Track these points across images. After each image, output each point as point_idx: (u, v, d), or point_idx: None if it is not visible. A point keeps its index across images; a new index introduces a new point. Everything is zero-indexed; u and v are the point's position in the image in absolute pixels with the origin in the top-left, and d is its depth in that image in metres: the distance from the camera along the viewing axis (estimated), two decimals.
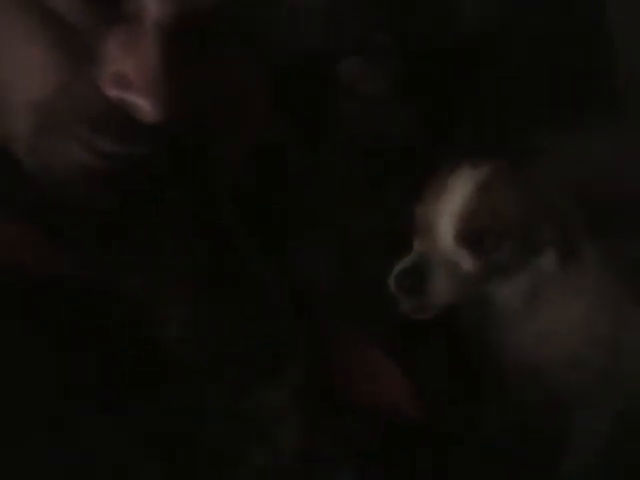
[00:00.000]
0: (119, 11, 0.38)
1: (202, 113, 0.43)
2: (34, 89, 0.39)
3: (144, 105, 0.37)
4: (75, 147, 0.40)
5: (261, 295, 0.59)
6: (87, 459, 0.42)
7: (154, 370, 0.47)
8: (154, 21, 0.38)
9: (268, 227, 0.66)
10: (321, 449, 0.57)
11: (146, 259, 0.50)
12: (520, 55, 1.00)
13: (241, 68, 0.46)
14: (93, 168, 0.41)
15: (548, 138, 0.87)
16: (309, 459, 0.55)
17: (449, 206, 0.68)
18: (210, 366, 0.51)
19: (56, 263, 0.45)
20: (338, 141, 0.96)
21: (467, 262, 0.68)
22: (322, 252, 0.75)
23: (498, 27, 1.00)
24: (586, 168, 0.81)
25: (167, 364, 0.48)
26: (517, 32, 1.00)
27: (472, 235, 0.67)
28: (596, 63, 1.05)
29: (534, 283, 0.73)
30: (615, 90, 1.06)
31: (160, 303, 0.49)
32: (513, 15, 1.01)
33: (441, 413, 0.70)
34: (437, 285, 0.67)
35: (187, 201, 0.54)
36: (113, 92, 0.38)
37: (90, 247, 0.46)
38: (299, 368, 0.58)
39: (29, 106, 0.39)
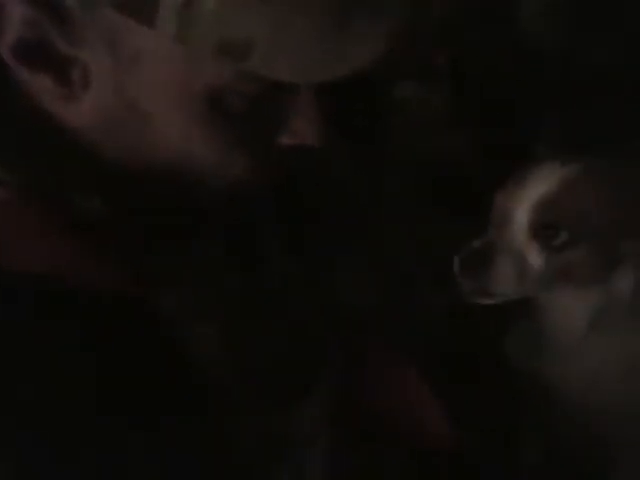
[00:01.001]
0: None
1: None
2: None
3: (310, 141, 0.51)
4: None
5: (297, 314, 0.59)
6: (116, 473, 0.43)
7: (186, 386, 0.48)
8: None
9: (310, 244, 0.66)
10: (348, 473, 0.56)
11: (182, 274, 0.51)
12: (590, 74, 0.97)
13: None
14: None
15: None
16: None
17: (529, 195, 0.67)
18: (242, 383, 0.51)
19: (98, 275, 0.47)
20: (391, 163, 0.95)
21: (536, 255, 0.67)
22: (365, 273, 0.74)
23: (567, 45, 0.98)
24: None
25: (199, 381, 0.48)
26: (586, 52, 0.97)
27: (547, 227, 0.66)
28: None
29: (600, 306, 0.70)
30: None
31: (194, 320, 0.50)
32: (582, 33, 0.98)
33: (474, 444, 0.68)
34: (500, 270, 0.66)
35: (226, 216, 0.55)
36: (287, 141, 0.51)
37: (130, 260, 0.48)
38: (332, 390, 0.58)
39: None
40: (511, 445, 0.77)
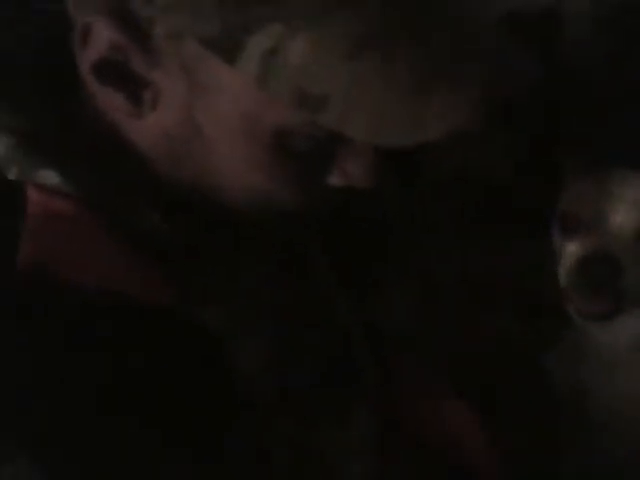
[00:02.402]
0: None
1: None
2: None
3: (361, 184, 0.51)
4: None
5: (338, 331, 0.59)
6: None
7: (225, 401, 0.48)
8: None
9: (352, 263, 0.65)
10: None
11: (228, 289, 0.51)
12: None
13: None
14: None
15: None
16: None
17: (625, 197, 0.65)
18: (281, 400, 0.51)
19: (149, 291, 0.48)
20: (430, 178, 0.95)
21: None
22: (404, 292, 0.73)
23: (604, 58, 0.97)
24: None
25: (239, 396, 0.49)
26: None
27: None
28: None
29: None
30: None
31: (238, 334, 0.50)
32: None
33: (515, 464, 0.67)
34: (632, 278, 0.62)
35: (272, 232, 0.56)
36: (337, 182, 0.51)
37: (180, 277, 0.49)
38: (370, 408, 0.57)
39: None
40: (551, 464, 0.76)
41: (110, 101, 0.47)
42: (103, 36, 0.45)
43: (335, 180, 0.51)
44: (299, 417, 0.52)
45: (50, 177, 0.48)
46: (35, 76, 0.52)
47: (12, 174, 0.48)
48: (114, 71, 0.46)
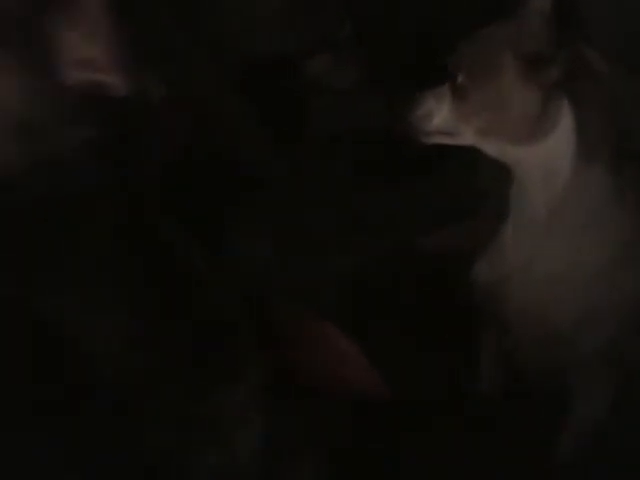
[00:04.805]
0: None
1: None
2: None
3: (113, 81, 0.39)
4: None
5: (204, 297, 0.56)
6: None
7: (76, 383, 0.46)
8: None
9: (204, 226, 0.63)
10: (283, 445, 0.56)
11: (68, 279, 0.47)
12: None
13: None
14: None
15: None
16: (270, 458, 0.54)
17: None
18: (156, 375, 0.49)
19: None
20: (311, 137, 0.97)
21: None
22: (261, 242, 0.74)
23: None
24: None
25: (91, 378, 0.46)
26: None
27: None
28: None
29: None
30: None
31: (92, 318, 0.47)
32: None
33: (415, 386, 0.69)
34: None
35: (115, 208, 0.52)
36: (81, 76, 0.39)
37: (12, 266, 0.45)
38: (257, 364, 0.56)
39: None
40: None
41: None
42: None
43: (77, 75, 0.40)
44: (178, 388, 0.50)
45: None
46: None
47: None
48: None
